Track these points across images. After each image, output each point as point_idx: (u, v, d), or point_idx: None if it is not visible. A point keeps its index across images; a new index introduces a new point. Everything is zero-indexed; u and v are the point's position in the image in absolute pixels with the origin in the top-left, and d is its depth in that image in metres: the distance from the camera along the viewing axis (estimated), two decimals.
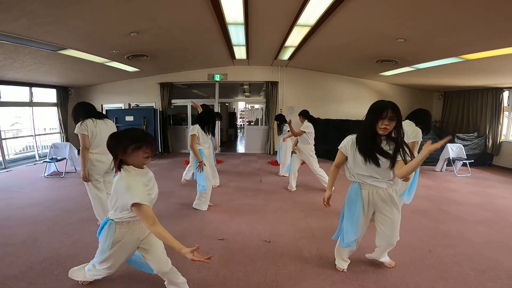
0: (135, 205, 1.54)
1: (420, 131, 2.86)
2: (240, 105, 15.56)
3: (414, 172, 3.06)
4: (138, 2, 3.54)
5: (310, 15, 4.06)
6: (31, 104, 7.60)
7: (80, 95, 8.89)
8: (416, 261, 2.54)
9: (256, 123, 9.60)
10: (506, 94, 7.12)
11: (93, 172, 3.03)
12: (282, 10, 4.02)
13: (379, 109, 1.86)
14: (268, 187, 5.03)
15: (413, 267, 2.44)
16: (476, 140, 7.03)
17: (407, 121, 2.99)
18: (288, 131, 5.39)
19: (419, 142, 2.86)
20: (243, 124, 11.54)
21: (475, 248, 2.80)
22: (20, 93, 7.43)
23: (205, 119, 3.83)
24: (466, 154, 6.59)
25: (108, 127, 3.10)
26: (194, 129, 3.70)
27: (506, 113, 7.16)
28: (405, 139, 2.92)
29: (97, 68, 6.63)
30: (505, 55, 4.45)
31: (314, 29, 4.68)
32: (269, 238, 3.00)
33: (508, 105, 7.16)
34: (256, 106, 12.68)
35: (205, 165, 3.69)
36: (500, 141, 7.07)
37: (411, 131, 2.86)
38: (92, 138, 2.98)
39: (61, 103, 8.29)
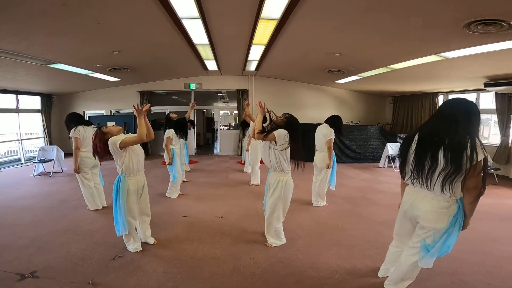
0: (121, 143, 2.49)
1: (333, 131, 3.91)
2: (222, 111, 16.44)
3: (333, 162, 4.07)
4: (116, 29, 4.37)
5: (262, 36, 4.96)
6: (17, 110, 8.15)
7: (63, 102, 9.47)
8: (325, 232, 3.39)
9: (236, 127, 10.46)
10: (440, 98, 8.38)
11: (83, 166, 3.92)
12: (239, 33, 4.92)
13: None
14: (232, 181, 5.90)
15: (318, 236, 3.32)
16: None
17: (324, 124, 4.01)
18: (249, 135, 6.41)
19: (333, 139, 3.90)
20: (223, 128, 12.44)
21: (372, 225, 3.60)
22: (5, 100, 7.93)
23: (179, 126, 4.86)
24: None
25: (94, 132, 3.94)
26: (169, 133, 4.71)
27: None
28: (323, 138, 3.95)
29: (81, 78, 7.30)
30: (423, 64, 5.44)
31: (268, 47, 5.63)
32: (223, 215, 3.86)
33: None
34: (236, 111, 13.55)
35: (171, 163, 4.60)
36: None
37: (327, 131, 3.90)
38: (83, 140, 3.82)
39: (45, 109, 8.84)
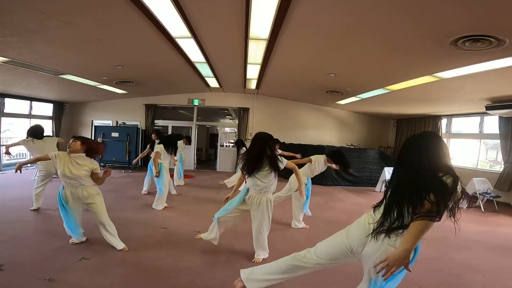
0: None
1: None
2: (228, 128, 16.69)
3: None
4: (119, 46, 4.66)
5: (255, 55, 5.12)
6: (30, 116, 8.62)
7: (73, 110, 9.92)
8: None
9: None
10: (444, 121, 8.22)
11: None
12: (232, 52, 5.11)
13: None
14: (221, 198, 5.79)
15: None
16: None
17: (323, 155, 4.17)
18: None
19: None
20: (229, 145, 12.57)
21: None
22: (20, 106, 8.42)
23: (168, 142, 5.02)
24: None
25: (45, 142, 4.46)
26: (158, 147, 4.87)
27: (444, 139, 8.19)
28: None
29: (89, 89, 7.70)
30: (419, 85, 5.38)
31: (264, 66, 5.79)
32: (200, 230, 3.83)
33: (446, 131, 8.23)
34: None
35: (157, 176, 4.71)
36: None
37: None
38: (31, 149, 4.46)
39: (56, 116, 9.28)
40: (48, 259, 2.73)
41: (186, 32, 4.02)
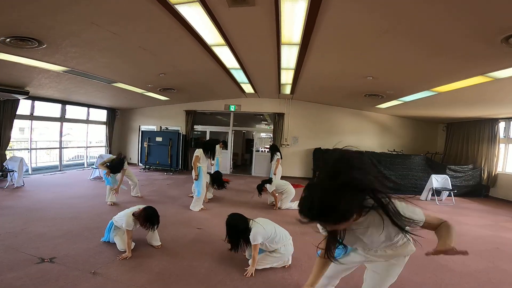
0: None
1: None
2: (263, 134, 16.87)
3: None
4: (161, 54, 5.03)
5: (288, 60, 5.13)
6: (87, 121, 9.68)
7: (124, 116, 10.91)
8: None
9: None
10: (502, 125, 7.32)
11: None
12: (265, 58, 5.17)
13: None
14: (255, 202, 5.90)
15: None
16: (470, 172, 7.24)
17: None
18: (277, 159, 6.57)
19: None
20: (264, 150, 12.70)
21: None
22: (79, 112, 9.49)
23: (207, 147, 5.26)
24: (459, 186, 6.88)
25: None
26: (198, 152, 5.13)
27: (502, 144, 7.30)
28: None
29: (137, 96, 8.40)
30: (470, 86, 4.93)
31: (298, 71, 5.77)
32: None
33: (504, 136, 7.31)
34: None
35: (196, 179, 4.97)
36: (496, 173, 7.18)
37: None
38: None
39: (109, 122, 10.28)
40: (94, 253, 3.01)
41: (221, 40, 4.20)
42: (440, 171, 7.05)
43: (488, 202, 6.74)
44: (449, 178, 6.60)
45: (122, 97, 8.65)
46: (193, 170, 5.09)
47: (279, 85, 7.38)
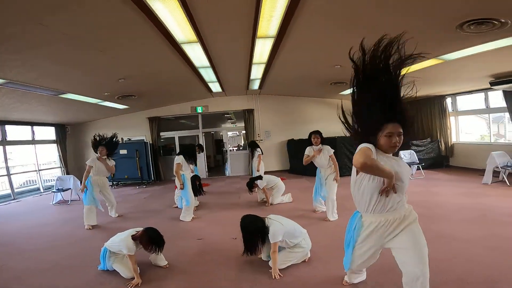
0: None
1: None
2: (230, 133, 16.65)
3: None
4: (119, 57, 4.57)
5: (261, 54, 5.05)
6: (33, 142, 8.49)
7: (76, 132, 9.80)
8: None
9: (245, 148, 10.47)
10: (448, 100, 8.16)
11: None
12: (238, 53, 5.04)
13: None
14: (244, 202, 5.75)
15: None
16: (430, 145, 7.96)
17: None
18: (258, 155, 6.50)
19: None
20: (233, 150, 12.52)
21: None
22: (21, 132, 8.31)
23: (188, 152, 4.88)
24: (423, 159, 7.49)
25: None
26: (179, 159, 4.70)
27: (452, 118, 8.15)
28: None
29: (91, 107, 7.59)
30: (424, 68, 5.24)
31: (269, 65, 5.74)
32: (237, 237, 3.71)
33: (453, 110, 8.18)
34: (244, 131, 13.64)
35: (182, 188, 4.61)
36: (452, 143, 8.00)
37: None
38: None
39: (60, 140, 9.12)
40: (100, 285, 2.66)
41: (193, 37, 3.95)
42: (404, 146, 7.60)
43: (452, 171, 7.43)
44: (414, 153, 7.18)
45: (72, 110, 7.76)
46: (176, 179, 4.73)
47: (248, 81, 7.28)
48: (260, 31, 3.91)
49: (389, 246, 1.84)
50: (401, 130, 1.72)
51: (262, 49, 4.80)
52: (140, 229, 2.79)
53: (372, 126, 1.75)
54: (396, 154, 1.87)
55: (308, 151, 4.22)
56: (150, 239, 2.65)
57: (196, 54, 4.78)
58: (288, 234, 2.71)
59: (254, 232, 2.66)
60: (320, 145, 4.17)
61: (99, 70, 5.04)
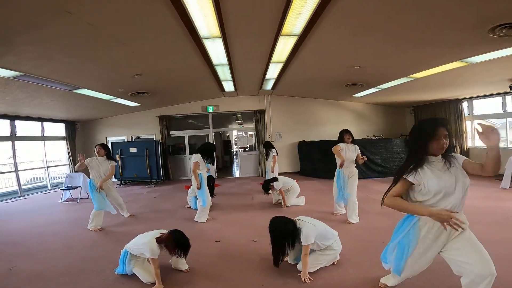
0: None
1: None
2: (235, 133, 16.57)
3: None
4: (139, 51, 4.48)
5: (281, 53, 4.96)
6: (43, 138, 8.41)
7: (86, 129, 9.74)
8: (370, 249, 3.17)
9: (251, 149, 10.37)
10: (465, 104, 8.03)
11: None
12: (258, 51, 4.94)
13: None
14: (258, 203, 5.63)
15: (363, 253, 3.06)
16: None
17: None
18: (273, 156, 6.36)
19: None
20: (239, 150, 12.43)
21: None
22: (31, 128, 8.21)
23: (206, 151, 4.69)
24: None
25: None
26: (197, 157, 4.52)
27: (468, 122, 8.00)
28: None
29: (103, 104, 7.51)
30: (446, 71, 5.34)
31: (286, 65, 5.63)
32: (257, 239, 3.60)
33: (469, 114, 8.03)
34: (250, 132, 13.56)
35: (199, 188, 4.46)
36: (467, 148, 7.85)
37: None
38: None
39: (69, 136, 9.05)
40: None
41: (217, 32, 3.85)
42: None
43: (468, 176, 7.22)
44: None
45: (84, 106, 7.68)
46: (192, 178, 4.60)
47: (262, 80, 7.18)
48: (286, 28, 3.81)
49: (447, 248, 1.83)
50: (447, 133, 1.77)
51: (284, 48, 4.70)
52: (164, 231, 2.67)
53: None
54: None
55: (341, 146, 4.18)
56: (177, 243, 2.52)
57: (216, 51, 4.69)
58: (320, 236, 2.59)
59: (286, 234, 2.53)
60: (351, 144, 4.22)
61: (117, 64, 4.96)
